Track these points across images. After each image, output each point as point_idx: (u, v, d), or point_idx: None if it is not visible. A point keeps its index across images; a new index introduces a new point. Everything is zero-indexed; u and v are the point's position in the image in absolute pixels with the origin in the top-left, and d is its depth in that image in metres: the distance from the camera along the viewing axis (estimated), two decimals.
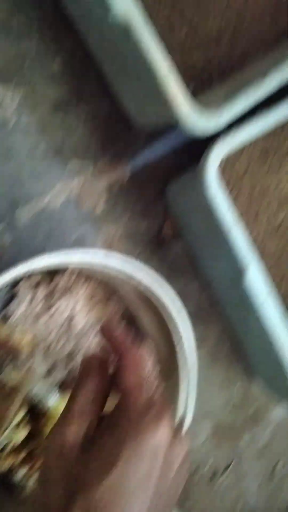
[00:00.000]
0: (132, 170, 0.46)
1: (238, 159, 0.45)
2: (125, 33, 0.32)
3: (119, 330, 0.27)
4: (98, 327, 0.36)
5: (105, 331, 0.27)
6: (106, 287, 0.39)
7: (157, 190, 0.47)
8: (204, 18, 0.47)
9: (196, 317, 0.48)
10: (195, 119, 0.32)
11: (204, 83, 0.46)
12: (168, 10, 0.46)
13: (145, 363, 0.26)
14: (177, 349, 0.35)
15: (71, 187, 0.44)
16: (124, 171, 0.46)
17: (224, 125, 0.34)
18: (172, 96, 0.32)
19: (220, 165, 0.36)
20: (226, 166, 0.44)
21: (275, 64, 0.35)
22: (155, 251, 0.47)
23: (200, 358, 0.48)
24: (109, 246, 0.45)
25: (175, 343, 0.35)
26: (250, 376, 0.50)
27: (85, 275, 0.38)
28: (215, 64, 0.47)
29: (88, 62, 0.43)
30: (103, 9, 0.32)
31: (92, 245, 0.44)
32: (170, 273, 0.48)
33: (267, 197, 0.49)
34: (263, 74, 0.33)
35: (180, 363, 0.35)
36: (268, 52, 0.49)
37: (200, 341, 0.48)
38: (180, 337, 0.35)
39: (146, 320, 0.40)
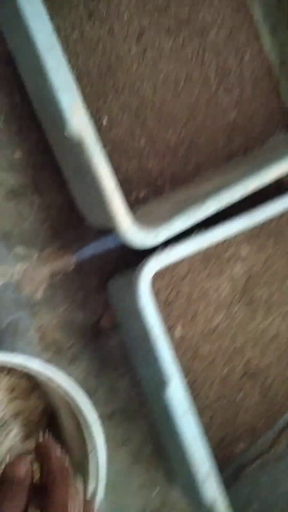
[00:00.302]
0: (78, 261, 0.47)
1: (179, 264, 0.47)
2: (78, 147, 0.35)
3: (54, 454, 0.27)
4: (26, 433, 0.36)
5: (40, 452, 0.27)
6: (28, 381, 0.38)
7: (99, 282, 0.48)
8: (164, 130, 0.51)
9: (123, 414, 0.48)
10: (134, 236, 0.34)
11: (156, 191, 0.49)
12: (131, 118, 0.49)
13: (72, 504, 0.25)
14: (89, 458, 0.34)
15: (12, 272, 0.44)
16: (69, 261, 0.47)
17: (161, 241, 0.36)
18: (114, 213, 0.33)
19: (154, 276, 0.37)
20: (166, 271, 0.46)
21: (216, 189, 0.38)
22: (89, 343, 0.47)
23: (122, 458, 0.47)
24: (42, 333, 0.45)
25: (88, 452, 0.34)
26: (170, 480, 0.49)
27: (7, 367, 0.37)
28: (169, 173, 0.50)
29: (48, 156, 0.46)
30: (61, 123, 0.35)
31: (25, 331, 0.44)
32: (103, 366, 0.48)
33: (205, 300, 0.51)
34: (202, 199, 0.36)
35: (91, 473, 0.34)
36: (221, 168, 0.53)
37: (124, 439, 0.48)
38: (93, 448, 0.34)
39: (65, 418, 0.40)
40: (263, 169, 0.37)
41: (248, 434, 0.54)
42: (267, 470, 0.52)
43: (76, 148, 0.35)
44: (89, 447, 0.34)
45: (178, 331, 0.48)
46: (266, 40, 0.58)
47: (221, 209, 0.38)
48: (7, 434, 0.38)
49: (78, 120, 0.33)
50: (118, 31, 0.49)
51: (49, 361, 0.44)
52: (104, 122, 0.48)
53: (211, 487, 0.39)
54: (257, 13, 0.58)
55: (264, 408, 0.54)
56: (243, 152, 0.54)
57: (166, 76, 0.52)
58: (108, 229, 0.44)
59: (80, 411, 0.34)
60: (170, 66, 0.52)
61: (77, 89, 0.46)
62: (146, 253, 0.40)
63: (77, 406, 0.33)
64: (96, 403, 0.38)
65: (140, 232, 0.34)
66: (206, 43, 0.54)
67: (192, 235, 0.37)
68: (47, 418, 0.40)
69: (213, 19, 0.55)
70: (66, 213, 0.47)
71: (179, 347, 0.49)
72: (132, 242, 0.35)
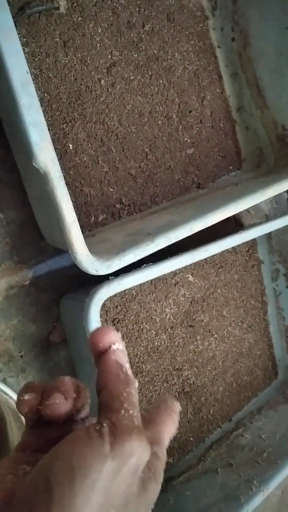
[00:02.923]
0: (34, 276, 0.50)
1: (128, 290, 0.51)
2: (44, 178, 0.37)
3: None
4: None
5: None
6: None
7: (52, 298, 0.51)
8: (126, 159, 0.54)
9: None
10: (89, 265, 0.37)
11: (114, 215, 0.52)
12: (96, 145, 0.53)
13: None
14: None
15: None
16: (25, 276, 0.49)
17: (114, 270, 0.39)
18: (72, 242, 0.37)
19: (105, 301, 0.41)
20: (115, 296, 0.49)
21: (166, 226, 0.42)
22: (39, 354, 0.50)
23: None
24: None
25: None
26: None
27: None
28: (127, 200, 0.54)
29: (14, 174, 0.48)
30: (29, 153, 0.37)
31: None
32: (50, 377, 0.50)
33: (150, 321, 0.55)
34: (152, 237, 0.39)
35: None
36: (175, 199, 0.57)
37: None
38: None
39: (13, 422, 0.42)
40: (209, 212, 0.42)
41: (178, 450, 0.58)
42: (192, 484, 0.56)
43: (42, 178, 0.38)
44: None
45: None
46: (227, 84, 0.63)
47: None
48: None
49: (46, 155, 0.36)
50: (90, 61, 0.52)
51: (0, 369, 0.47)
52: (70, 147, 0.51)
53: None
54: (221, 57, 0.63)
55: (195, 425, 0.59)
56: (196, 186, 0.59)
57: (132, 109, 0.55)
58: (64, 248, 0.47)
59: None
60: (136, 99, 0.56)
61: (46, 115, 0.49)
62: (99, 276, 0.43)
63: None
64: None
65: (94, 262, 0.37)
66: (171, 81, 0.59)
67: (142, 266, 0.41)
68: None
69: (180, 58, 0.60)
70: (26, 230, 0.49)
71: None
72: (87, 269, 0.38)
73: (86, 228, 0.51)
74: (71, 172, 0.51)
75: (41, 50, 0.50)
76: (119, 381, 0.24)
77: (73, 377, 0.26)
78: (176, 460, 0.59)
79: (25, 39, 0.49)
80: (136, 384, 0.25)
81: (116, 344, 0.25)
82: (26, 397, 0.24)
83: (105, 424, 0.21)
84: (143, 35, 0.57)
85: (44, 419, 0.24)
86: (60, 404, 0.24)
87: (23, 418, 0.38)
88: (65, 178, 0.39)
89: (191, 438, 0.59)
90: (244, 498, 0.54)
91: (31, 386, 0.25)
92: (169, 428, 0.26)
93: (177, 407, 0.27)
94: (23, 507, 0.19)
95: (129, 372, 0.25)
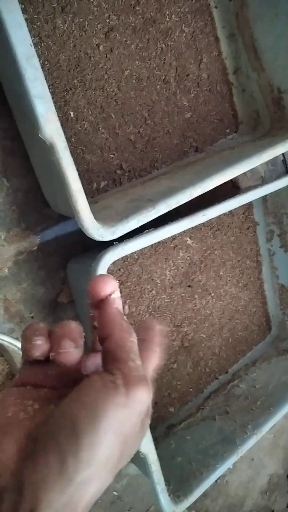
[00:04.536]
0: (41, 241, 0.52)
1: (130, 254, 0.53)
2: (50, 149, 0.39)
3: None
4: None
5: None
6: None
7: (59, 262, 0.53)
8: (126, 125, 0.56)
9: None
10: (94, 231, 0.39)
11: (115, 182, 0.54)
12: (96, 112, 0.54)
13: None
14: None
15: None
16: (33, 242, 0.52)
17: (118, 236, 0.42)
18: (79, 210, 0.39)
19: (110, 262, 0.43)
20: (118, 260, 0.52)
21: (166, 192, 0.44)
22: (49, 315, 0.53)
23: None
24: (7, 306, 0.50)
25: None
26: None
27: None
28: (127, 166, 0.55)
29: (17, 143, 0.49)
30: (34, 125, 0.39)
31: None
32: None
33: (151, 283, 0.58)
34: (153, 203, 0.42)
35: None
36: (174, 164, 0.59)
37: None
38: None
39: None
40: (207, 177, 0.44)
41: (179, 400, 0.63)
42: (191, 430, 0.61)
43: (48, 149, 0.39)
44: None
45: (126, 308, 0.55)
46: (224, 46, 0.63)
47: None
48: None
49: (51, 127, 0.38)
50: (88, 26, 0.52)
51: (12, 330, 0.50)
52: (71, 115, 0.52)
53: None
54: (218, 18, 0.63)
55: (194, 377, 0.63)
56: (194, 150, 0.60)
57: (130, 74, 0.56)
58: (69, 215, 0.49)
59: None
60: (134, 64, 0.56)
61: (47, 84, 0.50)
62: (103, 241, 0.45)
63: None
64: None
65: (100, 229, 0.39)
66: (169, 44, 0.59)
67: (144, 232, 0.44)
68: (11, 377, 0.46)
69: (177, 20, 0.59)
70: (32, 198, 0.51)
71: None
72: (93, 236, 0.40)
73: (89, 195, 0.53)
74: (73, 139, 0.52)
75: (40, 16, 0.50)
76: (123, 330, 0.25)
77: (76, 322, 0.26)
78: (177, 409, 0.64)
79: (23, 6, 0.49)
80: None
81: (116, 292, 0.27)
82: (39, 341, 0.25)
83: (118, 375, 0.23)
84: None
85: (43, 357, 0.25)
86: (73, 353, 0.25)
87: None
88: None
89: (191, 389, 0.64)
90: (239, 440, 0.59)
91: (37, 328, 0.26)
92: (154, 363, 0.27)
93: (160, 334, 0.28)
94: (50, 446, 0.21)
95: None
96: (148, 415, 0.25)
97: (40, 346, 0.25)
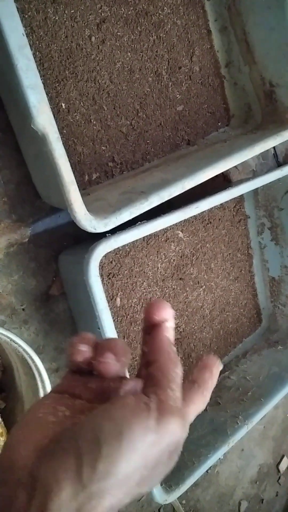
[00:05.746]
0: (32, 233, 0.52)
1: (122, 246, 0.54)
2: (42, 140, 0.39)
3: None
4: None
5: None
6: None
7: (51, 254, 0.53)
8: (117, 117, 0.56)
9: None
10: (87, 223, 0.39)
11: (107, 174, 0.54)
12: (88, 104, 0.53)
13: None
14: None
15: None
16: (24, 234, 0.51)
17: (111, 228, 0.42)
18: (71, 202, 0.39)
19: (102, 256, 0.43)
20: (110, 252, 0.52)
21: (158, 185, 0.45)
22: (40, 307, 0.53)
23: None
24: None
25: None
26: None
27: None
28: (119, 158, 0.55)
29: (9, 134, 0.49)
30: (27, 116, 0.38)
31: None
32: (51, 328, 0.54)
33: (143, 275, 0.58)
34: (146, 195, 0.42)
35: None
36: (165, 157, 0.59)
37: None
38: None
39: (20, 370, 0.46)
40: (199, 170, 0.44)
41: None
42: None
43: (40, 140, 0.39)
44: (40, 392, 0.41)
45: (118, 301, 0.55)
46: (216, 39, 0.63)
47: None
48: None
49: (44, 117, 0.38)
50: (80, 17, 0.52)
51: (3, 322, 0.50)
52: (63, 106, 0.52)
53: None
54: (210, 11, 0.63)
55: (185, 369, 0.63)
56: (186, 143, 0.60)
57: (122, 66, 0.56)
58: (62, 207, 0.49)
59: (36, 367, 0.40)
60: (126, 56, 0.56)
61: (39, 72, 0.49)
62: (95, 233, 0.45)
63: (34, 361, 0.40)
64: (43, 360, 0.45)
65: (92, 221, 0.40)
66: (161, 36, 0.59)
67: (137, 224, 0.44)
68: (2, 369, 0.46)
69: (169, 12, 0.59)
70: (23, 189, 0.51)
71: (118, 314, 0.56)
72: (85, 227, 0.40)
73: (81, 187, 0.53)
74: (64, 131, 0.52)
75: (31, 6, 0.49)
76: (170, 359, 0.26)
77: (122, 340, 0.28)
78: None
79: None
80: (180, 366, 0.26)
81: (170, 321, 0.27)
82: (83, 348, 0.26)
83: (152, 400, 0.23)
84: None
85: (86, 368, 0.26)
86: (112, 365, 0.26)
87: (31, 364, 0.42)
88: None
89: None
90: (230, 431, 0.59)
91: (86, 338, 0.26)
92: (198, 407, 0.27)
93: (216, 376, 0.28)
94: (70, 449, 0.21)
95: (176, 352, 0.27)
96: (177, 450, 0.25)
97: (84, 352, 0.26)
